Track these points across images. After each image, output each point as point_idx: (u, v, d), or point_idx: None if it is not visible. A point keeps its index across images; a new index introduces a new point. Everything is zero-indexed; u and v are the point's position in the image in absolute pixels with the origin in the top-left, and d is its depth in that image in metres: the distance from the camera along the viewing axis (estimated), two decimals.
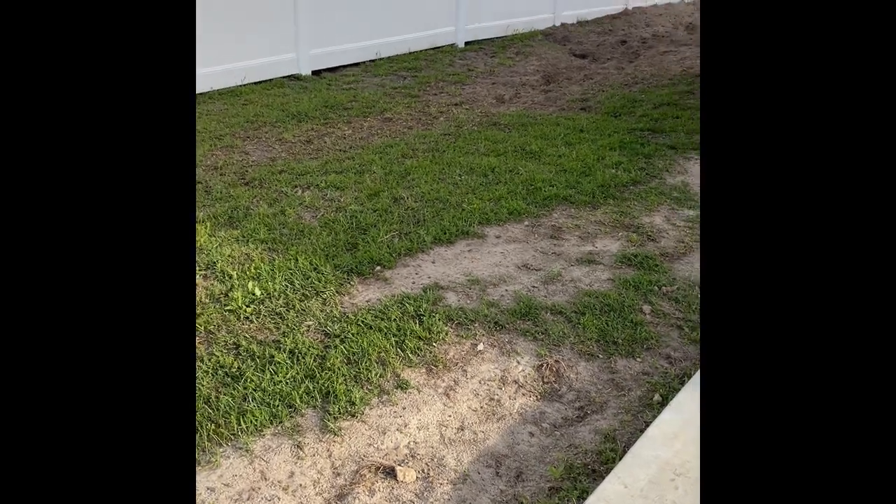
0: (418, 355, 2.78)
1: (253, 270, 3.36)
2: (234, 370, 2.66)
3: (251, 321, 2.98)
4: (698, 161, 4.94)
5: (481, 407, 2.54)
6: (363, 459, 2.29)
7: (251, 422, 2.40)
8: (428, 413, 2.50)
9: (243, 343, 2.81)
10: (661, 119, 5.89)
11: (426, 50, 8.92)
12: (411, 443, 2.37)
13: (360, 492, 2.17)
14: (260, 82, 7.16)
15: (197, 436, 2.34)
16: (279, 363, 2.69)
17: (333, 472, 2.25)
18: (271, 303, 3.11)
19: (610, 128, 5.65)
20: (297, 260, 3.47)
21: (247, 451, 2.31)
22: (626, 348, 2.83)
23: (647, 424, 2.38)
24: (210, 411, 2.44)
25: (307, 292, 3.22)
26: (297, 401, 2.50)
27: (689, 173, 4.72)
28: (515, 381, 2.66)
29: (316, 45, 7.66)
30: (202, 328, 2.92)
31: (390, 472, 2.24)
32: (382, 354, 2.76)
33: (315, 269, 3.41)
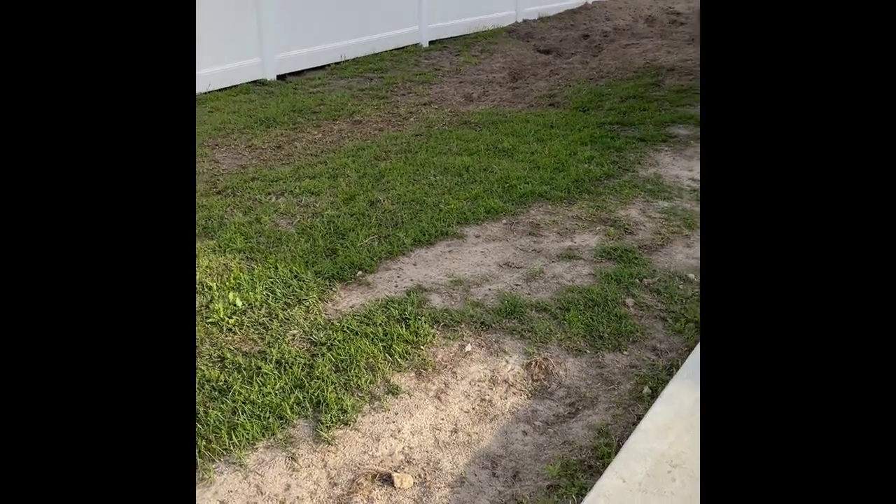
0: (407, 359, 2.76)
1: (232, 281, 3.31)
2: (220, 384, 2.62)
3: (234, 333, 2.94)
4: (669, 153, 5.01)
5: (473, 408, 2.54)
6: (359, 468, 2.28)
7: (242, 435, 2.37)
8: (420, 417, 2.49)
9: (228, 355, 2.77)
10: (629, 112, 5.94)
11: (391, 50, 8.89)
12: (406, 448, 2.36)
13: (358, 501, 2.15)
14: (225, 88, 7.06)
15: None
16: (266, 374, 2.66)
17: (330, 483, 2.23)
18: (254, 313, 3.08)
19: (579, 123, 5.69)
20: (276, 268, 3.43)
21: (240, 465, 2.27)
22: (613, 342, 2.85)
23: (640, 417, 2.40)
24: (200, 427, 2.40)
25: (289, 301, 3.18)
26: (288, 412, 2.47)
27: (661, 165, 4.78)
28: (505, 381, 2.66)
29: (281, 49, 7.58)
30: None
31: (387, 479, 2.23)
32: (371, 360, 2.74)
33: (296, 276, 3.38)
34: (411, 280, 3.37)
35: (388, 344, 2.84)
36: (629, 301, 3.13)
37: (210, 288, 3.25)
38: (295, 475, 2.25)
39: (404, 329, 2.93)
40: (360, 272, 3.44)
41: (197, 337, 2.90)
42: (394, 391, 2.60)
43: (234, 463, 2.28)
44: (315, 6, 7.89)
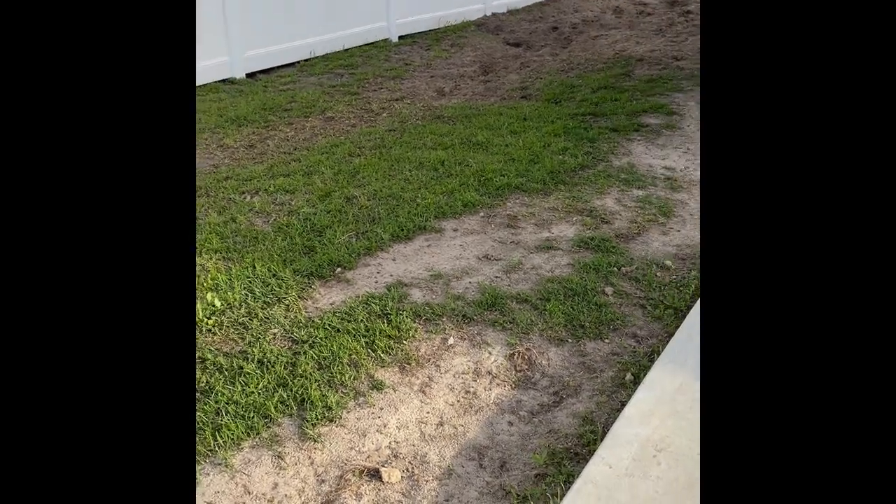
0: (390, 354, 2.76)
1: (210, 281, 3.28)
2: (203, 385, 2.59)
3: (214, 333, 2.91)
4: (641, 142, 5.05)
5: (458, 401, 2.55)
6: (346, 464, 2.27)
7: (227, 436, 2.35)
8: (406, 411, 2.49)
9: (209, 356, 2.75)
10: (601, 103, 5.98)
11: (361, 46, 8.85)
12: (392, 443, 2.36)
13: (346, 497, 2.15)
14: None
15: None
16: (249, 374, 2.64)
17: (318, 480, 2.22)
18: (233, 313, 3.05)
19: (552, 114, 5.71)
20: (254, 267, 3.41)
21: (226, 465, 2.25)
22: (594, 331, 2.88)
23: (623, 404, 2.43)
24: None
25: (269, 300, 3.16)
26: (273, 410, 2.46)
27: (634, 154, 4.82)
28: (489, 373, 2.68)
29: (249, 47, 7.50)
30: None
31: (375, 474, 2.23)
32: (354, 356, 2.74)
33: (274, 275, 3.35)
34: (391, 275, 3.37)
35: (371, 340, 2.83)
36: (608, 289, 3.16)
37: None
38: (282, 473, 2.24)
39: (386, 324, 2.93)
40: (339, 269, 3.42)
41: None
42: (378, 386, 2.59)
43: (219, 464, 2.27)
44: (282, 3, 7.82)
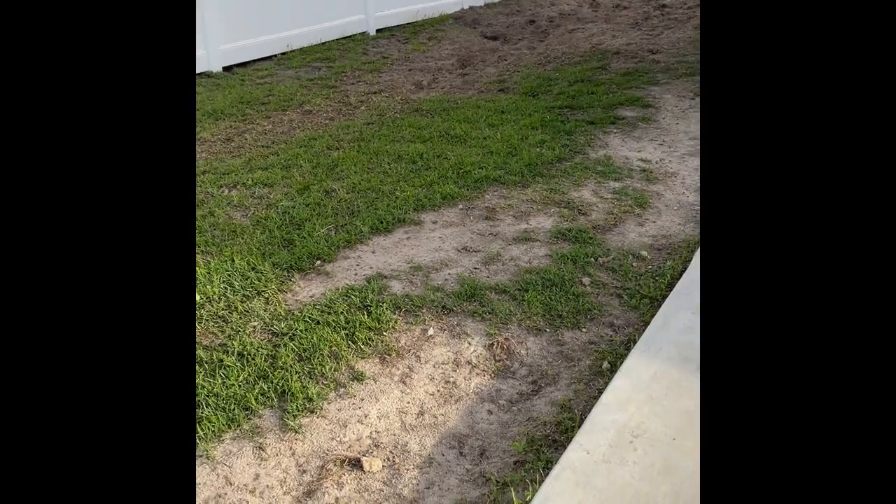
0: (370, 346, 2.78)
1: None
2: None
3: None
4: (618, 135, 5.10)
5: (438, 390, 2.57)
6: (327, 454, 2.29)
7: (208, 428, 2.36)
8: (386, 402, 2.51)
9: None
10: (578, 96, 6.03)
11: (338, 39, 8.82)
12: (373, 432, 2.38)
13: (328, 486, 2.17)
14: None
15: None
16: (229, 367, 2.64)
17: (299, 470, 2.24)
18: (212, 306, 3.05)
19: (530, 107, 5.75)
20: (233, 261, 3.40)
21: (208, 457, 2.26)
22: (571, 320, 2.92)
23: (600, 391, 2.47)
24: None
25: (248, 293, 3.16)
26: (253, 402, 2.47)
27: (611, 147, 4.87)
28: (469, 362, 2.70)
29: (225, 40, 7.45)
30: None
31: (356, 464, 2.25)
32: (334, 348, 2.75)
33: (253, 268, 3.35)
34: (371, 268, 3.38)
35: (351, 331, 2.85)
36: (585, 280, 3.20)
37: None
38: (263, 464, 2.25)
39: (366, 316, 2.95)
40: (318, 262, 3.43)
41: None
42: (359, 377, 2.61)
43: (200, 455, 2.27)
44: None
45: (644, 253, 3.43)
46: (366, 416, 2.45)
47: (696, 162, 4.56)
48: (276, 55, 8.05)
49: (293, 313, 2.99)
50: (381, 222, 3.79)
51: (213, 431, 2.35)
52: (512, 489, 2.10)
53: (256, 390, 2.53)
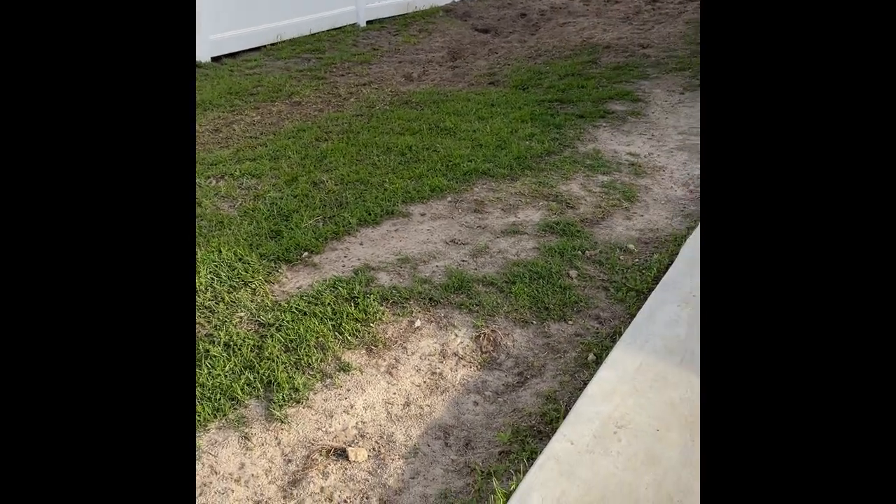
0: (357, 337, 2.78)
1: None
2: None
3: None
4: (607, 128, 5.11)
5: (424, 382, 2.58)
6: (313, 444, 2.30)
7: None
8: (373, 392, 2.52)
9: None
10: (568, 89, 6.03)
11: (328, 31, 8.78)
12: (359, 423, 2.39)
13: (313, 476, 2.17)
14: None
15: None
16: (215, 357, 2.64)
17: (284, 460, 2.24)
18: (199, 297, 3.04)
19: (520, 101, 5.75)
20: (220, 252, 3.39)
21: None
22: (558, 312, 2.93)
23: (585, 383, 2.48)
24: None
25: (235, 284, 3.15)
26: (239, 392, 2.47)
27: (600, 140, 4.88)
28: (455, 354, 2.71)
29: (214, 30, 7.40)
30: None
31: (342, 454, 2.25)
32: (321, 339, 2.75)
33: (240, 259, 3.35)
34: (358, 259, 3.38)
35: (338, 323, 2.85)
36: (572, 273, 3.22)
37: None
38: (249, 454, 2.25)
39: (353, 308, 2.95)
40: (305, 253, 3.43)
41: None
42: (345, 368, 2.62)
43: None
44: None
45: (631, 246, 3.45)
46: (352, 407, 2.45)
47: (685, 156, 4.58)
48: (265, 46, 8.01)
49: (280, 304, 2.99)
50: (370, 214, 3.79)
51: (199, 421, 2.35)
52: (496, 479, 2.11)
53: (242, 380, 2.52)
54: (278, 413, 2.39)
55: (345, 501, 2.10)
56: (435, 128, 5.13)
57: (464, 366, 2.66)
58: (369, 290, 3.08)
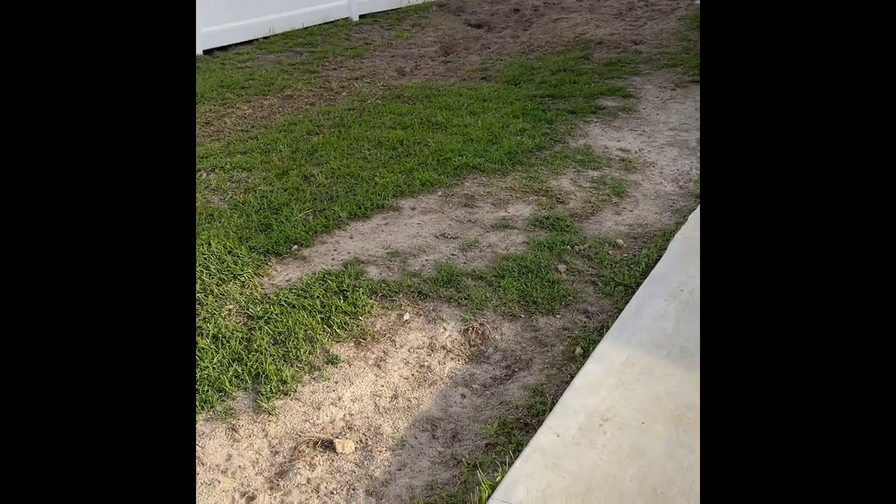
0: (346, 330, 2.79)
1: None
2: None
3: None
4: (598, 124, 5.12)
5: (412, 374, 2.59)
6: (300, 436, 2.30)
7: None
8: (361, 385, 2.53)
9: None
10: (560, 85, 6.04)
11: (321, 24, 8.75)
12: (347, 415, 2.40)
13: (300, 467, 2.18)
14: None
15: None
16: (203, 349, 2.64)
17: (272, 451, 2.25)
18: None
19: (511, 96, 5.75)
20: (209, 244, 3.39)
21: None
22: (546, 306, 2.94)
23: (572, 376, 2.50)
24: None
25: (224, 276, 3.15)
26: (227, 384, 2.47)
27: (590, 136, 4.89)
28: (443, 347, 2.72)
29: (206, 23, 7.37)
30: None
31: (329, 446, 2.26)
32: (309, 332, 2.76)
33: (229, 252, 3.34)
34: (348, 253, 3.39)
35: (327, 316, 2.86)
36: (561, 267, 3.23)
37: None
38: (236, 445, 2.26)
39: (342, 301, 2.95)
40: (295, 246, 3.43)
41: None
42: (333, 361, 2.62)
43: None
44: None
45: (620, 241, 3.46)
46: (340, 399, 2.46)
47: (675, 152, 4.60)
48: (257, 39, 7.98)
49: (269, 297, 2.99)
50: (360, 208, 3.79)
51: None
52: (481, 471, 2.12)
53: (230, 372, 2.53)
54: (266, 405, 2.40)
55: (331, 493, 2.11)
56: (426, 122, 5.13)
57: (452, 359, 2.67)
58: (358, 284, 3.08)
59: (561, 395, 2.38)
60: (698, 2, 9.15)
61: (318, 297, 2.97)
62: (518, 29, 8.74)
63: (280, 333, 2.74)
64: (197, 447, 2.24)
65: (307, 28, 8.58)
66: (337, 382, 2.53)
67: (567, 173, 4.27)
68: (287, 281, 3.15)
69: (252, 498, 2.09)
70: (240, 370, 2.54)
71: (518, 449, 2.18)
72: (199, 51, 7.34)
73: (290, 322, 2.79)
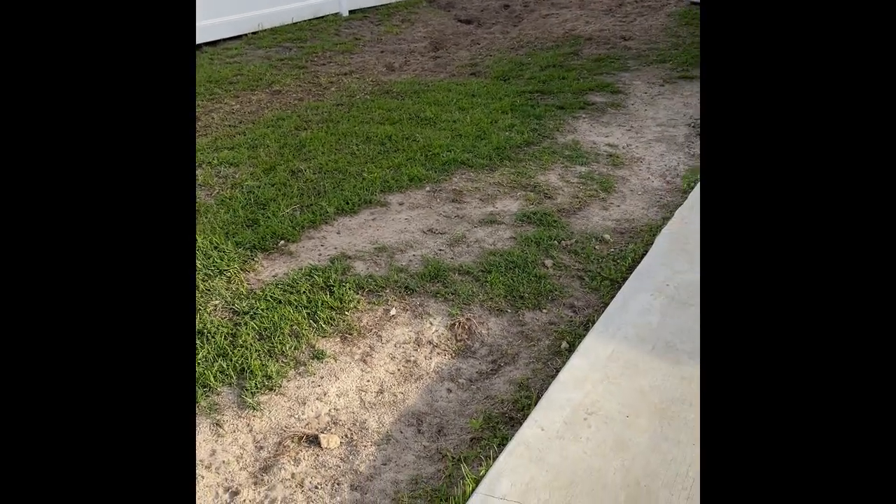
0: (332, 325, 2.78)
1: None
2: None
3: None
4: (587, 120, 5.13)
5: (398, 369, 2.59)
6: (285, 431, 2.30)
7: None
8: (346, 380, 2.52)
9: None
10: (549, 81, 6.04)
11: (310, 20, 8.71)
12: (332, 410, 2.39)
13: (284, 462, 2.18)
14: None
15: None
16: None
17: (256, 446, 2.24)
18: None
19: (500, 92, 5.75)
20: (196, 240, 3.37)
21: None
22: (533, 301, 2.94)
23: (558, 371, 2.50)
24: None
25: (210, 272, 3.14)
26: (212, 380, 2.46)
27: (579, 132, 4.89)
28: (430, 342, 2.72)
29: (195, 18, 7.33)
30: None
31: (314, 441, 2.26)
32: (295, 327, 2.75)
33: (216, 247, 3.33)
34: (335, 248, 3.38)
35: (313, 311, 2.85)
36: (548, 262, 3.23)
37: None
38: (220, 441, 2.25)
39: (328, 296, 2.95)
40: (282, 242, 3.42)
41: None
42: (319, 356, 2.62)
43: None
44: None
45: (607, 236, 3.47)
46: (325, 394, 2.45)
47: (663, 147, 4.60)
48: (246, 34, 7.94)
49: (255, 292, 2.98)
50: (347, 203, 3.78)
51: None
52: (466, 465, 2.13)
53: (215, 368, 2.52)
54: (251, 400, 2.39)
55: (316, 487, 2.10)
56: (415, 118, 5.12)
57: (438, 354, 2.67)
58: (345, 279, 3.08)
59: (546, 389, 2.38)
60: None
61: (304, 292, 2.96)
62: (508, 25, 8.73)
63: (266, 329, 2.73)
64: None
65: (297, 23, 8.54)
66: (322, 377, 2.53)
67: (555, 169, 4.27)
68: (273, 276, 3.14)
69: (236, 493, 2.09)
70: (225, 365, 2.54)
71: (503, 443, 2.19)
72: None
73: (275, 317, 2.78)
